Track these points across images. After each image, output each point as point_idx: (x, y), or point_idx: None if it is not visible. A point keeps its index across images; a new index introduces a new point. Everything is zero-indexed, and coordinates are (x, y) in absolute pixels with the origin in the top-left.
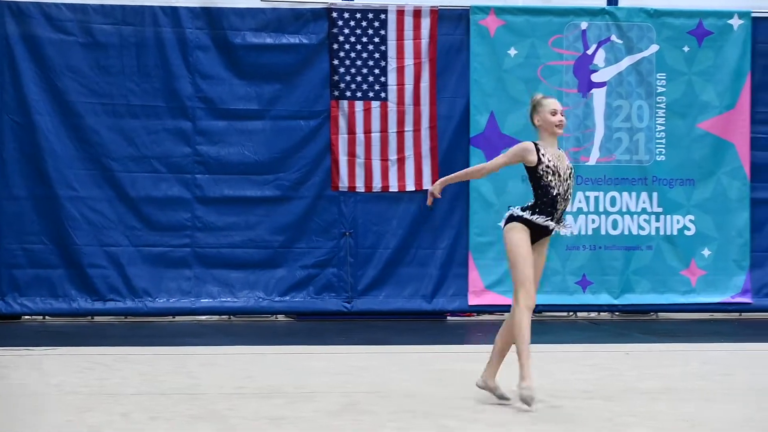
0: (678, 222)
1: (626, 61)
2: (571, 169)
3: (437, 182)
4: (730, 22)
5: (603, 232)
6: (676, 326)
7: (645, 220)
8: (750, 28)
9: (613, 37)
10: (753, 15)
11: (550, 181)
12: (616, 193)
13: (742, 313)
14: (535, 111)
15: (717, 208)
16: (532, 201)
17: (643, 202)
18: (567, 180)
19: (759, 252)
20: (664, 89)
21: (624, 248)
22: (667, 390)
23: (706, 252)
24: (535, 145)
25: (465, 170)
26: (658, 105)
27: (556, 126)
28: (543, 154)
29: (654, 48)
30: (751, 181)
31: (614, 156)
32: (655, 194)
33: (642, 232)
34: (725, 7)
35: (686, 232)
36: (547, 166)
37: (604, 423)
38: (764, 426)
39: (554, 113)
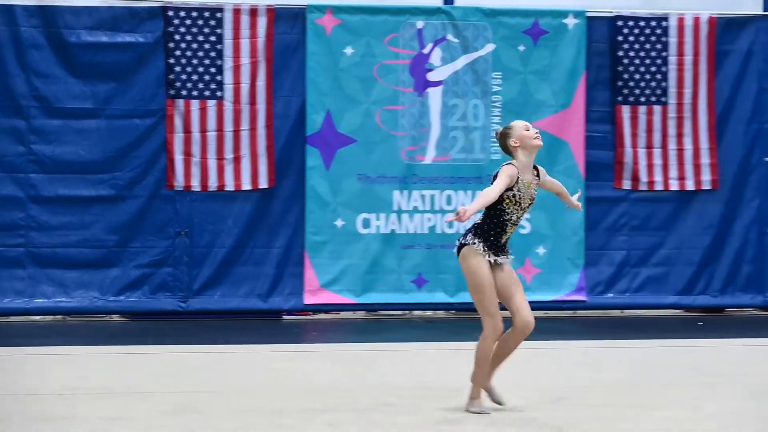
0: None
1: (462, 60)
2: (532, 199)
3: (469, 209)
4: (565, 21)
5: (439, 231)
6: (510, 324)
7: None
8: (585, 27)
9: (449, 36)
10: (588, 14)
11: (507, 207)
12: (452, 192)
13: (577, 311)
14: (508, 137)
15: (552, 206)
16: (480, 219)
17: None
18: (524, 208)
19: (593, 250)
20: (499, 88)
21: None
22: (509, 388)
23: (540, 250)
24: (518, 173)
25: (482, 199)
26: (493, 104)
27: (534, 139)
28: (517, 183)
29: (490, 47)
30: (585, 180)
31: (450, 155)
32: None
33: None
34: (560, 7)
35: (521, 231)
36: (514, 195)
37: (440, 416)
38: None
39: (527, 128)
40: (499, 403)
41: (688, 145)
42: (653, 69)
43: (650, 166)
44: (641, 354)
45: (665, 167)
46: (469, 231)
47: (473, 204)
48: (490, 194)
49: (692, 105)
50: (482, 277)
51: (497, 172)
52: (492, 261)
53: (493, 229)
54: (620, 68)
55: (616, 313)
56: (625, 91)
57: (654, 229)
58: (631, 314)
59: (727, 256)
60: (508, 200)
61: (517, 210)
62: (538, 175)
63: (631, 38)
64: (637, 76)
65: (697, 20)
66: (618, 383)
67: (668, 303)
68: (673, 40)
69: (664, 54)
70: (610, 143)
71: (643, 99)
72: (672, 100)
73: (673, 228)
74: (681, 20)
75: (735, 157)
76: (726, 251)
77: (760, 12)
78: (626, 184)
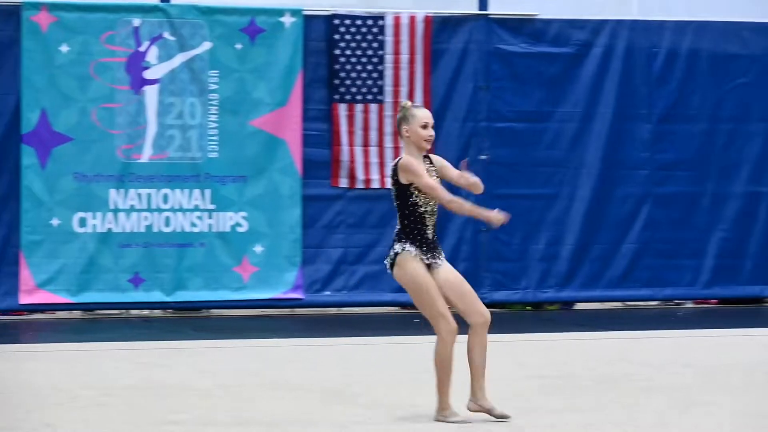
0: (231, 219)
1: (179, 59)
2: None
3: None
4: (281, 19)
5: (156, 230)
6: (228, 322)
7: (198, 217)
8: (302, 25)
9: (166, 34)
10: (305, 13)
11: (418, 199)
12: (168, 191)
13: (294, 309)
14: (405, 120)
15: (269, 204)
16: (400, 224)
17: (196, 200)
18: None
19: (310, 248)
20: (216, 86)
21: (177, 245)
22: (221, 386)
23: (258, 248)
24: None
25: (439, 189)
26: (210, 102)
27: (425, 141)
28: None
29: (207, 45)
30: (302, 178)
31: (167, 153)
32: (207, 191)
33: (195, 230)
34: (277, 5)
35: (239, 229)
36: (416, 186)
37: (157, 418)
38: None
39: (425, 126)
40: (504, 417)
41: None
42: (370, 67)
43: (367, 164)
44: (356, 351)
45: (382, 165)
46: (394, 241)
47: (452, 198)
48: (431, 182)
49: None
50: (422, 280)
51: (396, 169)
52: (428, 263)
53: (414, 227)
54: (337, 66)
55: (334, 310)
56: (342, 90)
57: (371, 226)
58: (348, 311)
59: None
60: (417, 191)
61: (427, 199)
62: (431, 162)
63: (348, 37)
64: (354, 75)
65: (413, 19)
66: (332, 380)
67: (385, 300)
68: (389, 38)
69: (380, 53)
70: (327, 141)
71: (359, 97)
72: (388, 98)
73: (390, 226)
74: (397, 19)
75: (451, 154)
76: (442, 248)
77: (476, 11)
78: (343, 182)
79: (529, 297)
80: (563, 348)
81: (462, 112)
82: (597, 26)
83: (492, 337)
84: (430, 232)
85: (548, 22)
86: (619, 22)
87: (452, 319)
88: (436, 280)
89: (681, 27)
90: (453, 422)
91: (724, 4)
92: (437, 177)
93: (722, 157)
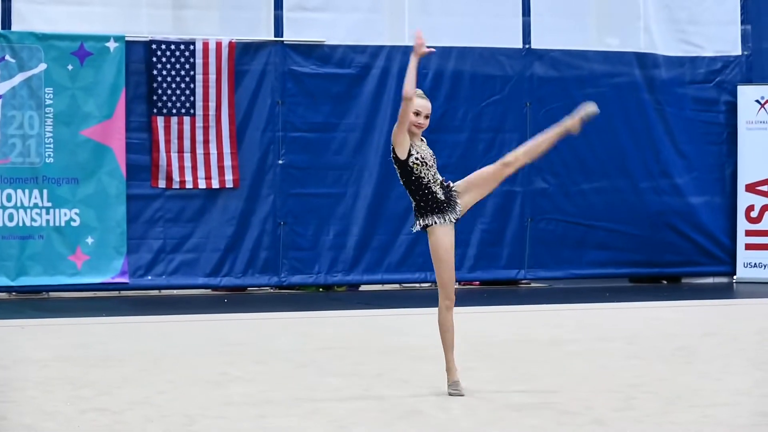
0: (65, 215)
1: (19, 77)
2: (432, 156)
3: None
4: (107, 44)
5: (1, 224)
6: (64, 303)
7: (37, 213)
8: (124, 49)
9: (7, 57)
10: (127, 39)
11: (421, 171)
12: (11, 191)
13: (121, 291)
14: (406, 102)
15: (98, 202)
16: (414, 201)
17: (35, 198)
18: (432, 166)
19: (134, 239)
20: (51, 101)
21: (19, 237)
22: (57, 358)
23: (89, 240)
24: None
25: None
26: (47, 115)
27: (414, 125)
28: (412, 146)
29: (43, 66)
30: (127, 180)
31: (9, 159)
32: (45, 191)
33: (35, 224)
34: (103, 32)
35: (73, 224)
36: (416, 159)
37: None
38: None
39: (417, 114)
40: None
41: (213, 150)
42: (183, 86)
43: (182, 168)
44: (174, 327)
45: (194, 169)
46: (416, 216)
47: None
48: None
49: (216, 116)
50: (444, 251)
51: (392, 149)
52: (453, 219)
53: (426, 197)
54: (155, 85)
55: (155, 292)
56: (160, 104)
57: (186, 221)
58: (168, 294)
59: (247, 244)
60: (416, 165)
61: (428, 170)
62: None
63: (164, 59)
64: (170, 92)
65: (219, 45)
66: (152, 352)
67: (199, 284)
68: (199, 61)
69: (192, 73)
70: (147, 148)
71: (174, 111)
72: (199, 111)
73: (202, 220)
74: (206, 44)
75: (253, 160)
76: (247, 239)
77: (273, 38)
78: (161, 183)
79: (321, 280)
80: (351, 323)
81: (262, 124)
82: (375, 51)
83: (289, 315)
84: (440, 194)
85: (334, 47)
86: (393, 47)
87: (452, 293)
88: (466, 202)
89: (446, 52)
90: (451, 392)
91: (483, 33)
92: (431, 152)
93: (482, 162)
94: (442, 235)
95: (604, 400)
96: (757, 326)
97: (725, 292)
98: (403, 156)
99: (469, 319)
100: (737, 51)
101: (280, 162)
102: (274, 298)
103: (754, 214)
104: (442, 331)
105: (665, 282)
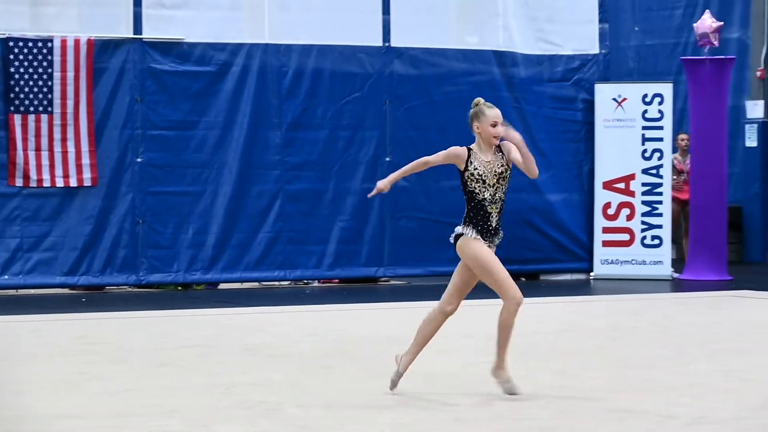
0: None
1: None
2: (501, 174)
3: (387, 180)
4: None
5: None
6: None
7: None
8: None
9: None
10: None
11: (475, 187)
12: None
13: None
14: (477, 118)
15: None
16: (466, 209)
17: None
18: (494, 185)
19: None
20: None
21: None
22: None
23: None
24: (468, 150)
25: (411, 165)
26: None
27: (494, 137)
28: (471, 161)
29: None
30: None
31: None
32: None
33: None
34: None
35: None
36: (472, 174)
37: None
38: None
39: (494, 125)
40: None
41: (71, 148)
42: (40, 83)
43: (39, 166)
44: (34, 327)
45: (52, 167)
46: (462, 223)
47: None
48: (416, 162)
49: (74, 114)
50: (484, 258)
51: None
52: (489, 245)
53: (476, 214)
54: (12, 82)
55: (12, 292)
56: (17, 102)
57: (43, 219)
58: (24, 293)
59: (106, 242)
60: (470, 180)
61: (485, 188)
62: (501, 151)
63: (21, 57)
64: (27, 89)
65: (77, 42)
66: (9, 351)
67: (56, 283)
68: (57, 58)
69: (50, 70)
70: (5, 147)
71: (32, 109)
72: (57, 109)
73: (60, 219)
74: (64, 42)
75: (111, 158)
76: (105, 238)
77: (131, 36)
78: (19, 182)
79: (179, 278)
80: (210, 322)
81: (121, 121)
82: (235, 48)
83: (148, 313)
84: (494, 220)
85: (194, 45)
86: (253, 45)
87: (516, 290)
88: None
89: (306, 50)
90: (500, 383)
91: (343, 31)
92: (505, 163)
93: (342, 159)
94: (479, 245)
95: (462, 397)
96: (612, 323)
97: (582, 288)
98: (460, 168)
99: (328, 317)
100: (595, 49)
101: (139, 160)
102: (132, 297)
103: (611, 211)
104: (505, 330)
105: (524, 279)
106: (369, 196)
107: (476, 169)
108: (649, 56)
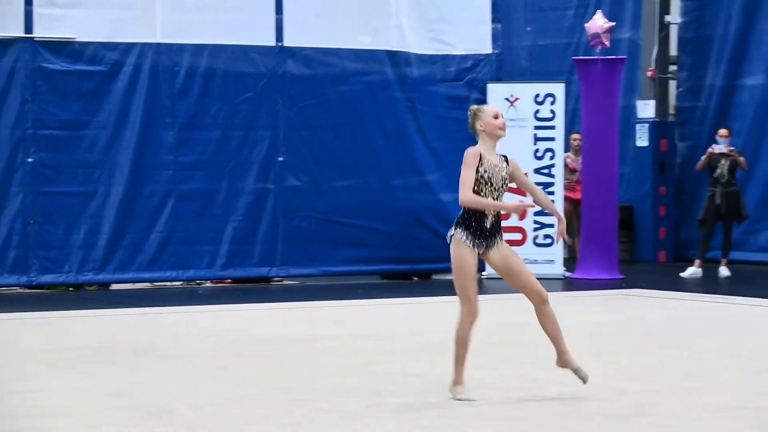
0: None
1: None
2: (505, 180)
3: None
4: None
5: None
6: None
7: None
8: None
9: None
10: None
11: (482, 189)
12: None
13: None
14: (477, 118)
15: None
16: (462, 210)
17: None
18: (499, 189)
19: None
20: None
21: None
22: None
23: None
24: (480, 153)
25: (467, 190)
26: None
27: (500, 129)
28: (482, 164)
29: None
30: None
31: None
32: None
33: None
34: None
35: None
36: (482, 176)
37: None
38: None
39: (496, 116)
40: (584, 380)
41: None
42: None
43: None
44: None
45: None
46: (454, 223)
47: (484, 205)
48: (465, 177)
49: None
50: (464, 265)
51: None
52: (478, 252)
53: (472, 215)
54: None
55: None
56: None
57: None
58: None
59: None
60: (478, 182)
61: (491, 191)
62: (507, 162)
63: None
64: None
65: None
66: None
67: None
68: None
69: None
70: None
71: None
72: None
73: None
74: None
75: (2, 158)
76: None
77: (22, 35)
78: None
79: (71, 279)
80: (102, 323)
81: (11, 121)
82: (127, 48)
83: (39, 314)
84: (488, 222)
85: (85, 44)
86: (145, 45)
87: (477, 305)
88: (492, 260)
89: (199, 49)
90: (458, 399)
91: (236, 30)
92: (507, 171)
93: (235, 159)
94: (465, 251)
95: (355, 397)
96: (504, 321)
97: None
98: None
99: (222, 318)
100: (487, 49)
101: (30, 160)
102: (23, 297)
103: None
104: (459, 345)
105: (416, 278)
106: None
107: (486, 171)
108: (542, 56)
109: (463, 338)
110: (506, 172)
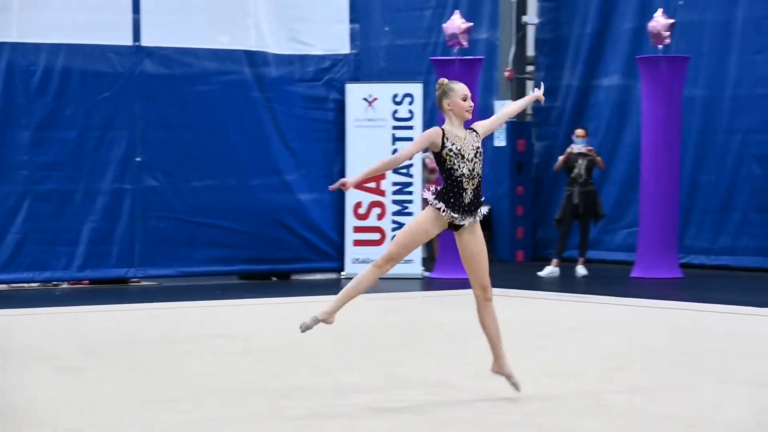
0: None
1: None
2: (478, 149)
3: (353, 179)
4: None
5: None
6: None
7: None
8: None
9: None
10: None
11: (454, 163)
12: None
13: None
14: (446, 95)
15: None
16: (442, 185)
17: None
18: (473, 160)
19: None
20: None
21: None
22: None
23: None
24: (442, 131)
25: (382, 162)
26: None
27: (467, 111)
28: (447, 138)
29: None
30: None
31: None
32: None
33: None
34: None
35: None
36: (450, 150)
37: None
38: None
39: (465, 98)
40: (516, 387)
41: None
42: None
43: None
44: None
45: None
46: (434, 194)
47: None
48: (387, 159)
49: None
50: (419, 221)
51: None
52: (451, 220)
53: (450, 190)
54: None
55: None
56: None
57: None
58: None
59: None
60: (449, 157)
61: (464, 163)
62: (476, 132)
63: None
64: None
65: None
66: None
67: None
68: None
69: None
70: None
71: None
72: None
73: None
74: None
75: None
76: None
77: None
78: None
79: None
80: None
81: None
82: None
83: None
84: (467, 196)
85: None
86: (1, 44)
87: (394, 263)
88: (459, 242)
89: (55, 49)
90: (304, 325)
91: (93, 30)
92: (479, 146)
93: (92, 159)
94: (431, 214)
95: (217, 398)
96: (364, 321)
97: (334, 287)
98: (437, 148)
99: (79, 319)
100: (346, 49)
101: None
102: None
103: (362, 210)
104: (357, 284)
105: (275, 279)
106: (330, 188)
107: (453, 144)
108: (400, 56)
109: (364, 280)
110: (478, 142)
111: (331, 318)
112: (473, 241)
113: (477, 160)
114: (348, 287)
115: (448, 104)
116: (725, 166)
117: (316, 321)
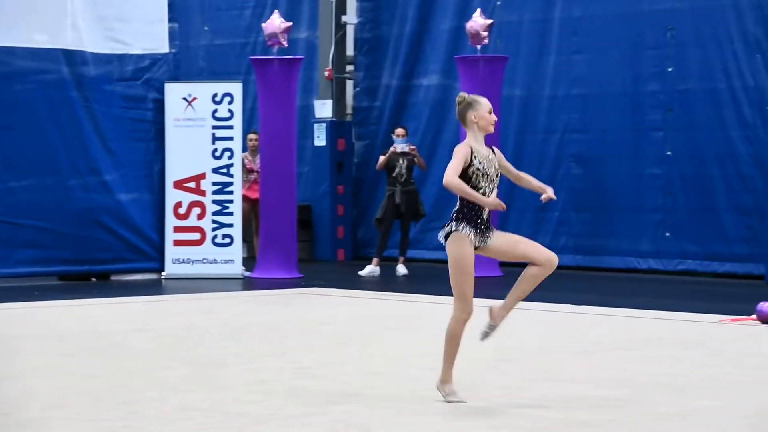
0: None
1: None
2: (497, 169)
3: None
4: None
5: None
6: None
7: None
8: None
9: None
10: None
11: (478, 182)
12: None
13: None
14: (471, 107)
15: None
16: (459, 205)
17: None
18: (494, 180)
19: None
20: None
21: None
22: None
23: None
24: (470, 148)
25: (465, 186)
26: None
27: (492, 125)
28: (475, 156)
29: None
30: None
31: None
32: None
33: None
34: None
35: None
36: (477, 168)
37: None
38: None
39: (491, 111)
40: (491, 328)
41: None
42: None
43: None
44: None
45: None
46: (452, 218)
47: (464, 192)
48: (453, 165)
49: None
50: (466, 263)
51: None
52: (477, 245)
53: (472, 208)
54: None
55: None
56: None
57: None
58: None
59: None
60: (475, 174)
61: (487, 183)
62: (494, 152)
63: None
64: None
65: None
66: None
67: None
68: None
69: None
70: None
71: None
72: None
73: None
74: None
75: None
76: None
77: None
78: None
79: None
80: None
81: None
82: None
83: None
84: (485, 213)
85: None
86: None
87: (472, 305)
88: (491, 248)
89: None
90: (448, 401)
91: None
92: (497, 166)
93: None
94: (466, 248)
95: (33, 401)
96: (185, 321)
97: (154, 288)
98: (466, 164)
99: None
100: (165, 49)
101: None
102: None
103: (182, 210)
104: (450, 343)
105: (94, 279)
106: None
107: (480, 163)
108: (219, 56)
109: (455, 336)
110: (497, 163)
111: (448, 384)
112: (502, 238)
113: (497, 180)
114: (446, 350)
115: (475, 116)
116: (544, 165)
117: (447, 397)
